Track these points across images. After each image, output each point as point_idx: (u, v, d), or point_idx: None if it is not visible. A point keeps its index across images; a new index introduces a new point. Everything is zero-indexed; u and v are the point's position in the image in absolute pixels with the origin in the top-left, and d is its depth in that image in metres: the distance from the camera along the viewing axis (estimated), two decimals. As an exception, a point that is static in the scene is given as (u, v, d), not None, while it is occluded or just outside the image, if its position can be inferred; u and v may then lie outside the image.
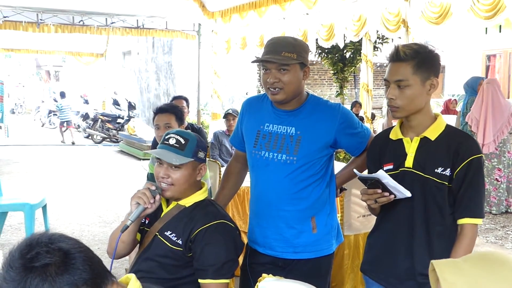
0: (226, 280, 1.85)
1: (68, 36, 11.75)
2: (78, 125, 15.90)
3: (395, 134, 1.93)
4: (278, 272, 2.00)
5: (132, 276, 1.43)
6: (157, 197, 1.88)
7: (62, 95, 14.69)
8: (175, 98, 4.91)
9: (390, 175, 1.77)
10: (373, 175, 1.76)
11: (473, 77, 6.86)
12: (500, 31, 6.69)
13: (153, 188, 1.87)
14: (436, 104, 14.14)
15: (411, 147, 1.85)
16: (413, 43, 2.13)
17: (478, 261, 0.98)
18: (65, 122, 14.19)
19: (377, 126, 10.59)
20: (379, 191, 1.78)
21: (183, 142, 1.92)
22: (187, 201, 1.96)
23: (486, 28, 7.64)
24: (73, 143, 13.83)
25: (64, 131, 14.12)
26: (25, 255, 1.19)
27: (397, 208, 1.86)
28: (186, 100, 4.83)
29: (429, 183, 1.80)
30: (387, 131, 2.00)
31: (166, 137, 1.96)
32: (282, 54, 1.98)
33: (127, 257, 3.98)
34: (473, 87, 6.65)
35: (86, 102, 19.23)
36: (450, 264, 0.99)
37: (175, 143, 1.92)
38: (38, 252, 1.19)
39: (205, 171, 2.00)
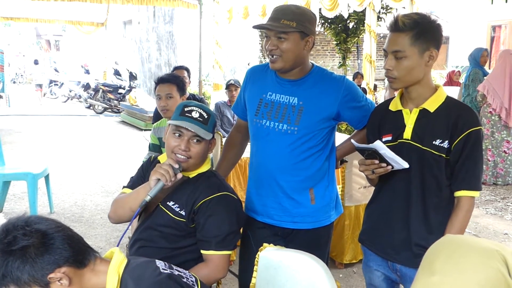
0: (228, 252, 1.87)
1: (68, 5, 11.61)
2: (80, 95, 15.88)
3: (394, 105, 1.91)
4: (277, 241, 2.03)
5: (116, 249, 1.44)
6: (179, 175, 1.85)
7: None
8: (176, 68, 4.91)
9: (388, 146, 1.76)
10: (370, 145, 1.75)
11: (476, 48, 6.79)
12: (506, 1, 6.55)
13: (176, 166, 1.84)
14: (439, 76, 14.03)
15: (410, 119, 1.84)
16: (414, 12, 2.09)
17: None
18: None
19: (380, 98, 10.54)
20: (376, 161, 1.77)
21: (206, 116, 1.90)
22: (191, 172, 1.95)
23: (492, -2, 7.49)
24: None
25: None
26: (2, 240, 1.21)
27: (394, 179, 1.86)
28: (188, 70, 4.82)
29: (426, 155, 1.79)
30: (387, 102, 1.98)
31: (187, 109, 1.89)
32: (281, 22, 1.96)
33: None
34: (475, 58, 6.59)
35: (87, 72, 19.15)
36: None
37: (198, 117, 1.88)
38: (15, 236, 1.21)
39: (214, 146, 2.00)
